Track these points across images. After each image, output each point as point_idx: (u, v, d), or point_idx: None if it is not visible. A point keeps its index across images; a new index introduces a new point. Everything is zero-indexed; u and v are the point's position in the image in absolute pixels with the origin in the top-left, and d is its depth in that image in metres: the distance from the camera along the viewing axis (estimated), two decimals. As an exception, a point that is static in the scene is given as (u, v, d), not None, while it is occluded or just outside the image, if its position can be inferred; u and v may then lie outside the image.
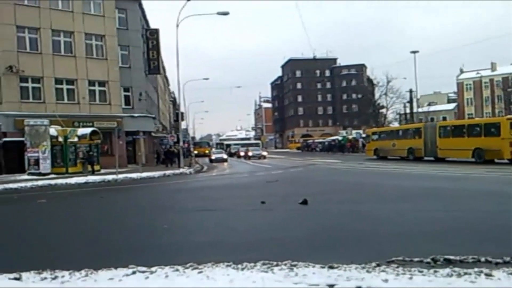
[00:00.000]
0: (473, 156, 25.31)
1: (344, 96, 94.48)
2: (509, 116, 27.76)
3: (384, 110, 62.47)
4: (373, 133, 38.05)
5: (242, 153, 52.59)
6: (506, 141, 23.17)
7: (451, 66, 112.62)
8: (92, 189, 19.20)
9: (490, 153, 24.26)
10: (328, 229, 8.18)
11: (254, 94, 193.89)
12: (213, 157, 45.80)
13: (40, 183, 20.88)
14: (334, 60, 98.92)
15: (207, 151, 65.60)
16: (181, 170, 28.94)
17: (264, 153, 50.29)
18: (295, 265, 5.37)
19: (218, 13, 31.48)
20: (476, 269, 4.96)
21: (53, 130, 26.12)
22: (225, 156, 46.65)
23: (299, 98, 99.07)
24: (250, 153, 48.42)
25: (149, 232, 8.74)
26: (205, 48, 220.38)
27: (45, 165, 25.16)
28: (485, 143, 24.40)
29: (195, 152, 61.42)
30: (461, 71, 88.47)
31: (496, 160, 24.29)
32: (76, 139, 26.77)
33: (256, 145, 63.06)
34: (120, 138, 30.98)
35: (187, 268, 5.37)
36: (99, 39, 32.23)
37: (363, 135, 65.11)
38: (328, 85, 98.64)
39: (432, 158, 29.00)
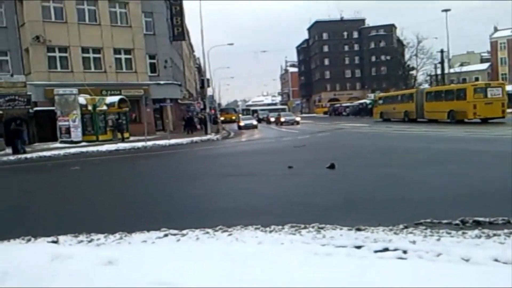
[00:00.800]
0: (448, 117, 29.20)
1: (373, 58, 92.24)
2: (473, 83, 34.22)
3: (414, 72, 60.88)
4: (379, 98, 42.40)
5: (272, 119, 49.89)
6: (470, 104, 27.37)
7: (485, 24, 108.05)
8: (122, 156, 19.66)
9: (460, 114, 28.15)
10: (355, 193, 8.19)
11: (280, 58, 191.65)
12: (242, 123, 43.74)
13: (72, 150, 21.47)
14: (362, 21, 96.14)
15: (234, 117, 65.43)
16: (208, 136, 29.16)
17: (298, 119, 46.52)
18: (322, 228, 5.45)
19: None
20: (506, 230, 4.94)
21: (82, 99, 26.60)
22: (255, 122, 44.42)
23: (326, 62, 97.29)
24: (282, 119, 44.77)
25: (179, 197, 8.95)
26: (230, 13, 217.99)
27: (76, 133, 25.79)
28: (456, 106, 28.43)
29: (222, 118, 61.40)
30: (495, 30, 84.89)
31: (465, 120, 27.90)
32: (105, 107, 27.24)
33: (283, 110, 62.47)
34: (147, 106, 31.33)
35: (217, 230, 5.52)
36: (123, 6, 32.20)
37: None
38: (356, 47, 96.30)
39: (425, 120, 32.31)
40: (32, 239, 5.65)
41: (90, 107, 26.78)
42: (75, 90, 26.39)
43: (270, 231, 5.44)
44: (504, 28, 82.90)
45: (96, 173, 14.64)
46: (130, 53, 32.56)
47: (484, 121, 27.49)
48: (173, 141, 24.73)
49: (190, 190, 9.55)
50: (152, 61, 34.71)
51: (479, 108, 27.14)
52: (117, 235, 5.55)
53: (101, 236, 5.59)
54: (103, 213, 7.70)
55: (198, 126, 36.07)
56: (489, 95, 27.86)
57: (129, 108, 29.11)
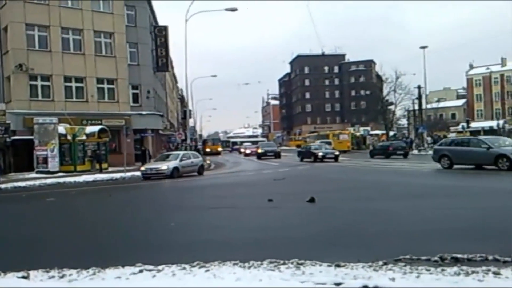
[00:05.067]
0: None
1: (353, 93, 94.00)
2: (333, 132, 55.24)
3: (392, 107, 62.06)
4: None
5: (248, 151, 48.33)
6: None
7: (461, 61, 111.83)
8: (100, 187, 19.30)
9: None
10: (335, 227, 8.16)
11: (262, 91, 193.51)
12: (248, 151, 44.54)
13: (48, 181, 21.05)
14: (343, 56, 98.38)
15: (219, 149, 64.72)
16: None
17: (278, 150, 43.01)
18: (302, 264, 5.36)
19: (227, 9, 31.57)
20: (484, 268, 4.93)
21: (61, 128, 26.28)
22: (278, 149, 43.09)
23: (307, 95, 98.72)
24: (261, 150, 41.35)
25: (156, 231, 8.77)
26: (213, 45, 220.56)
27: (54, 163, 25.34)
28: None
29: (207, 149, 60.71)
30: (471, 67, 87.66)
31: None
32: (84, 137, 26.94)
33: (257, 142, 60.69)
34: (128, 136, 31.06)
35: (194, 266, 5.38)
36: (108, 36, 32.34)
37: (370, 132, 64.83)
38: (337, 81, 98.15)
39: None
40: (2, 274, 5.43)
41: (69, 137, 26.45)
42: (55, 119, 26.09)
43: (249, 267, 5.33)
44: (479, 65, 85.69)
45: (71, 205, 14.31)
46: (113, 83, 32.51)
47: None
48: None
49: (168, 223, 9.39)
50: (135, 91, 34.70)
51: (335, 145, 44.06)
52: (90, 271, 5.36)
53: (73, 271, 5.40)
54: (77, 247, 7.48)
55: None
56: (340, 138, 50.19)
57: (109, 138, 28.84)
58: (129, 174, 23.20)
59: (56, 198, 15.12)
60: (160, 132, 42.18)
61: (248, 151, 48.38)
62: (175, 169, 22.27)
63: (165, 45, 39.21)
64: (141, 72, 34.79)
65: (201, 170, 24.87)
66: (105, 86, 32.29)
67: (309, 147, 36.17)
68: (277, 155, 40.04)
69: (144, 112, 34.21)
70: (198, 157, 25.87)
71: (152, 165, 23.39)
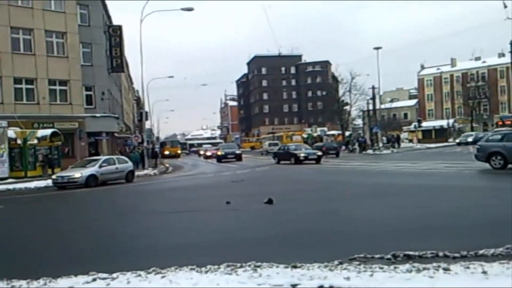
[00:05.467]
0: None
1: (309, 93, 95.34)
2: (286, 133, 57.52)
3: (348, 107, 63.37)
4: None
5: (209, 153, 47.32)
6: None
7: (413, 62, 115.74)
8: (52, 193, 18.69)
9: None
10: (292, 228, 8.23)
11: (220, 92, 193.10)
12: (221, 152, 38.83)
13: (-3, 187, 20.17)
14: (299, 57, 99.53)
15: (179, 151, 63.62)
16: (146, 171, 28.56)
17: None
18: (259, 266, 5.38)
19: (183, 9, 31.23)
20: (434, 264, 5.11)
21: (11, 132, 25.21)
22: (239, 151, 40.42)
23: (265, 96, 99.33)
24: (221, 152, 39.24)
25: (111, 236, 8.59)
26: (170, 46, 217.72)
27: (3, 169, 24.23)
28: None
29: (166, 152, 59.71)
30: (422, 67, 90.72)
31: None
32: (35, 141, 25.95)
33: (216, 144, 59.65)
34: (82, 140, 30.22)
35: (150, 273, 5.30)
36: (60, 36, 31.31)
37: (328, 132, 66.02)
38: (293, 82, 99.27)
39: None
40: None
41: (19, 141, 25.42)
42: (4, 123, 24.97)
43: (206, 272, 5.30)
44: (430, 66, 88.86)
45: (22, 212, 13.76)
46: (66, 84, 31.48)
47: None
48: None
49: (123, 228, 9.21)
50: (89, 93, 33.75)
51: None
52: (41, 281, 5.18)
53: (23, 282, 5.20)
54: (28, 256, 7.20)
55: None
56: (293, 139, 53.53)
57: (62, 142, 27.93)
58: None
59: (4, 206, 14.51)
60: (116, 135, 41.25)
61: (209, 153, 47.18)
62: (91, 177, 20.13)
63: (120, 45, 38.36)
64: (95, 73, 33.89)
65: (130, 176, 22.74)
66: (57, 87, 31.23)
67: (288, 147, 32.93)
68: (238, 157, 37.82)
69: (98, 115, 33.34)
70: (126, 162, 23.49)
71: (65, 173, 21.33)
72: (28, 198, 17.02)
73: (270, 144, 53.35)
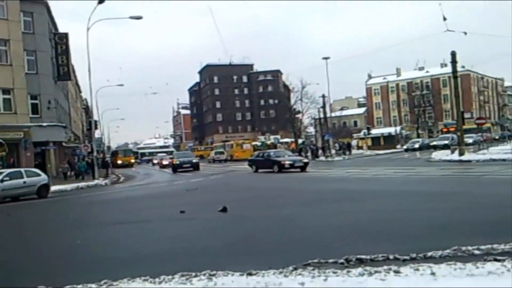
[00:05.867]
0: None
1: (262, 102, 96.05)
2: (236, 141, 60.28)
3: (300, 115, 64.28)
4: None
5: (165, 162, 45.46)
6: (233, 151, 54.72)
7: (361, 71, 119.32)
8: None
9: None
10: (247, 236, 8.24)
11: (172, 100, 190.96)
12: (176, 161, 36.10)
13: None
14: (251, 66, 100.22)
15: (132, 161, 61.96)
16: (96, 181, 27.79)
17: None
18: (214, 275, 5.34)
19: (131, 17, 30.66)
20: (385, 267, 5.25)
21: (-50, 143, 23.89)
22: (195, 159, 37.24)
23: (218, 104, 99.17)
24: (175, 161, 36.49)
25: (61, 249, 8.28)
26: (119, 54, 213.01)
27: None
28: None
29: (118, 162, 58.10)
30: (369, 77, 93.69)
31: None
32: (-23, 152, 24.69)
33: (171, 153, 59.23)
34: (27, 150, 28.99)
35: (102, 285, 5.16)
36: (3, 43, 30.04)
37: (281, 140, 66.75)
38: (246, 90, 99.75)
39: None
40: None
41: (-41, 152, 24.11)
42: None
43: (160, 282, 5.21)
44: (377, 75, 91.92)
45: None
46: (10, 93, 30.18)
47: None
48: (56, 187, 23.12)
49: (72, 240, 8.87)
50: (35, 101, 32.51)
51: (239, 153, 51.68)
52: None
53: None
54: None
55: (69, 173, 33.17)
56: (244, 147, 54.59)
57: (6, 152, 26.67)
58: (29, 190, 21.63)
59: None
60: (64, 144, 39.89)
61: (165, 162, 45.55)
62: None
63: (66, 53, 37.28)
64: (41, 81, 32.71)
65: (43, 191, 20.32)
66: (1, 96, 29.91)
67: (268, 154, 29.38)
68: (195, 166, 34.85)
69: (45, 124, 32.15)
70: (38, 175, 20.99)
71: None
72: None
73: (216, 153, 55.13)
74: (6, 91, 30.02)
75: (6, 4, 30.03)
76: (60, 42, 36.72)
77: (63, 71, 36.98)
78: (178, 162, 35.55)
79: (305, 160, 27.50)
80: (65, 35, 37.52)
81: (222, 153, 54.23)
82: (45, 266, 6.94)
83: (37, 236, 10.17)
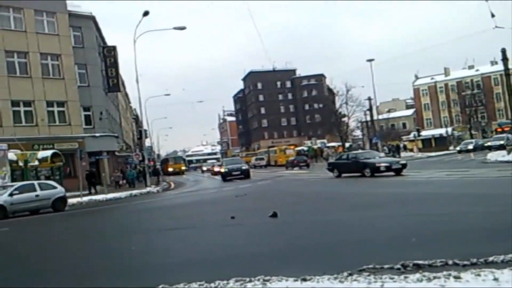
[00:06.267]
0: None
1: (306, 107, 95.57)
2: (280, 147, 61.20)
3: (346, 119, 63.52)
4: None
5: (217, 169, 42.03)
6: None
7: (407, 72, 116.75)
8: (55, 214, 18.60)
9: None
10: (299, 241, 8.19)
11: (217, 108, 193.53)
12: (225, 169, 32.95)
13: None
14: (294, 71, 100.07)
15: (183, 168, 62.93)
16: (148, 189, 28.51)
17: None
18: (268, 280, 5.34)
19: (175, 28, 31.40)
20: (444, 272, 5.07)
21: (12, 155, 25.18)
22: (245, 166, 34.12)
23: (262, 110, 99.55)
24: (223, 169, 33.44)
25: (117, 255, 8.53)
26: (165, 64, 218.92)
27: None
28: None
29: (169, 169, 59.41)
30: (416, 77, 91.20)
31: None
32: (36, 163, 25.93)
33: (224, 159, 60.32)
34: (82, 160, 30.23)
35: (159, 291, 5.26)
36: (55, 58, 31.57)
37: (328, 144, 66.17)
38: (290, 96, 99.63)
39: None
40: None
41: (21, 163, 25.38)
42: (4, 146, 24.94)
43: (215, 287, 5.26)
44: (424, 75, 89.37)
45: (26, 234, 13.70)
46: (64, 106, 31.66)
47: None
48: (110, 195, 23.91)
49: (128, 246, 9.14)
50: (87, 113, 33.92)
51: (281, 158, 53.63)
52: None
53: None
54: (31, 277, 7.14)
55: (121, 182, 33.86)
56: (287, 153, 55.46)
57: (63, 162, 27.91)
58: (85, 198, 22.54)
59: (9, 228, 14.44)
60: (116, 153, 41.29)
61: (216, 169, 43.61)
62: None
63: (115, 65, 38.64)
64: (92, 93, 34.08)
65: (59, 204, 19.40)
66: (55, 109, 31.40)
67: (355, 155, 25.20)
68: (245, 173, 31.98)
69: (97, 134, 33.42)
70: (53, 188, 19.99)
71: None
72: (31, 220, 16.93)
73: (256, 159, 58.53)
74: (60, 104, 31.46)
75: (56, 20, 31.50)
76: (109, 55, 38.13)
77: (113, 83, 38.36)
78: (226, 170, 32.46)
79: (403, 162, 23.08)
80: (113, 48, 38.92)
81: (262, 159, 58.29)
82: (103, 271, 7.17)
83: (94, 242, 10.54)
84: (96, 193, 25.60)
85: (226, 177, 31.90)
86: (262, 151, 68.02)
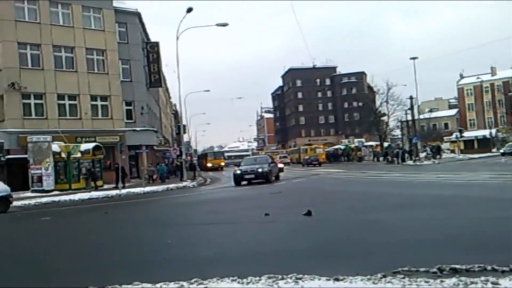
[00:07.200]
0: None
1: (345, 105, 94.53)
2: (310, 146, 65.94)
3: (385, 118, 62.32)
4: None
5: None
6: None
7: (451, 71, 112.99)
8: (95, 205, 19.16)
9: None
10: (333, 240, 8.13)
11: (255, 104, 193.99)
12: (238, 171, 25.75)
13: (43, 200, 20.88)
14: (334, 68, 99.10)
15: (222, 163, 62.28)
16: (184, 183, 28.92)
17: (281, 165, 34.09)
18: (300, 278, 5.33)
19: (217, 25, 31.65)
20: (482, 278, 4.92)
21: (56, 146, 26.19)
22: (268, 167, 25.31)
23: (300, 108, 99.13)
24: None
25: (153, 247, 8.70)
26: (206, 60, 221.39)
27: (49, 182, 25.19)
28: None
29: (208, 165, 59.64)
30: (461, 76, 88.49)
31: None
32: (79, 155, 26.84)
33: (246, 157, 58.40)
34: (122, 153, 30.98)
35: (192, 283, 5.34)
36: (100, 53, 32.45)
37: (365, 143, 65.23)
38: (329, 93, 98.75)
39: None
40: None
41: (64, 155, 26.35)
42: (49, 138, 25.99)
43: (247, 283, 5.30)
44: (469, 75, 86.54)
45: (66, 224, 14.19)
46: (107, 100, 32.54)
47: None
48: (148, 188, 24.41)
49: (164, 239, 9.31)
50: (129, 107, 34.75)
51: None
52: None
53: None
54: (72, 266, 7.40)
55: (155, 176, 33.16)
56: (317, 151, 60.02)
57: (103, 155, 28.74)
58: (124, 191, 23.10)
59: (51, 217, 15.00)
60: (155, 148, 42.11)
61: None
62: None
63: (157, 61, 39.35)
64: (134, 88, 34.87)
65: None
66: (99, 103, 32.31)
67: None
68: (263, 177, 24.48)
69: (138, 128, 34.19)
70: None
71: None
72: (71, 210, 17.52)
73: (280, 157, 60.23)
74: (103, 98, 32.35)
75: (102, 16, 32.36)
76: (152, 51, 38.86)
77: (155, 78, 39.08)
78: (239, 172, 25.58)
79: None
80: (156, 44, 39.64)
81: (285, 157, 63.92)
82: (138, 263, 7.33)
83: (131, 234, 10.80)
84: (117, 187, 24.70)
85: (238, 180, 25.17)
86: (294, 149, 70.59)
